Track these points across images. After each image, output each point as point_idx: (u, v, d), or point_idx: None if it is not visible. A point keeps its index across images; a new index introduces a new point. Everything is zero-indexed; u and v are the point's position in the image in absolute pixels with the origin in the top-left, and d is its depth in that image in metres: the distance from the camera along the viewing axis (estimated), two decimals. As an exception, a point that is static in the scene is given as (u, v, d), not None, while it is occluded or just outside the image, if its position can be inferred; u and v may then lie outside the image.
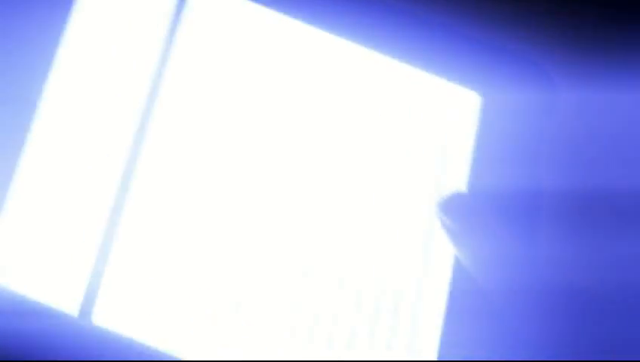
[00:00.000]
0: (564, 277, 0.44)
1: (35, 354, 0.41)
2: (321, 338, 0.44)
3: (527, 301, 0.43)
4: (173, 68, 0.47)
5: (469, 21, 0.52)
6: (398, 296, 0.46)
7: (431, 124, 0.48)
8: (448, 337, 0.45)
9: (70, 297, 0.43)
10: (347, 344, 0.44)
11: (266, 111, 0.47)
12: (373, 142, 0.48)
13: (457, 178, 0.48)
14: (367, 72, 0.48)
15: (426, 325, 0.45)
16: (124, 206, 0.45)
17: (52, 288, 0.43)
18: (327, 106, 0.48)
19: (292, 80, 0.48)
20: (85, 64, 0.46)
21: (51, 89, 0.46)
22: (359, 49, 0.49)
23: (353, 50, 0.49)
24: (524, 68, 0.49)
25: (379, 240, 0.46)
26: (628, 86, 0.52)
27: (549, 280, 0.43)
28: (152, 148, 0.46)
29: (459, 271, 0.46)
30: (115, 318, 0.44)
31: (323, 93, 0.48)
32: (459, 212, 0.45)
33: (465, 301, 0.46)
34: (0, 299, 0.42)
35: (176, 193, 0.46)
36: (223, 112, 0.47)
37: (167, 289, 0.44)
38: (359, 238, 0.46)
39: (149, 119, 0.46)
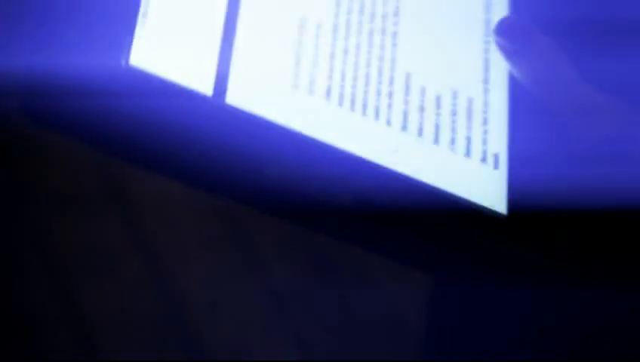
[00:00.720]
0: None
1: (168, 134, 0.44)
2: (413, 129, 0.49)
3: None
4: None
5: None
6: (469, 101, 0.51)
7: None
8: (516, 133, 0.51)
9: (204, 77, 0.45)
10: (435, 136, 0.49)
11: None
12: None
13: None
14: None
15: (495, 128, 0.51)
16: None
17: (187, 69, 0.45)
18: None
19: None
20: None
21: None
22: None
23: None
24: None
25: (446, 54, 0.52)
26: None
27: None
28: None
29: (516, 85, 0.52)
30: (252, 99, 0.45)
31: None
32: (513, 33, 0.50)
33: (525, 112, 0.51)
34: (135, 80, 0.44)
35: None
36: None
37: (304, 67, 0.48)
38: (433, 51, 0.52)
39: None
